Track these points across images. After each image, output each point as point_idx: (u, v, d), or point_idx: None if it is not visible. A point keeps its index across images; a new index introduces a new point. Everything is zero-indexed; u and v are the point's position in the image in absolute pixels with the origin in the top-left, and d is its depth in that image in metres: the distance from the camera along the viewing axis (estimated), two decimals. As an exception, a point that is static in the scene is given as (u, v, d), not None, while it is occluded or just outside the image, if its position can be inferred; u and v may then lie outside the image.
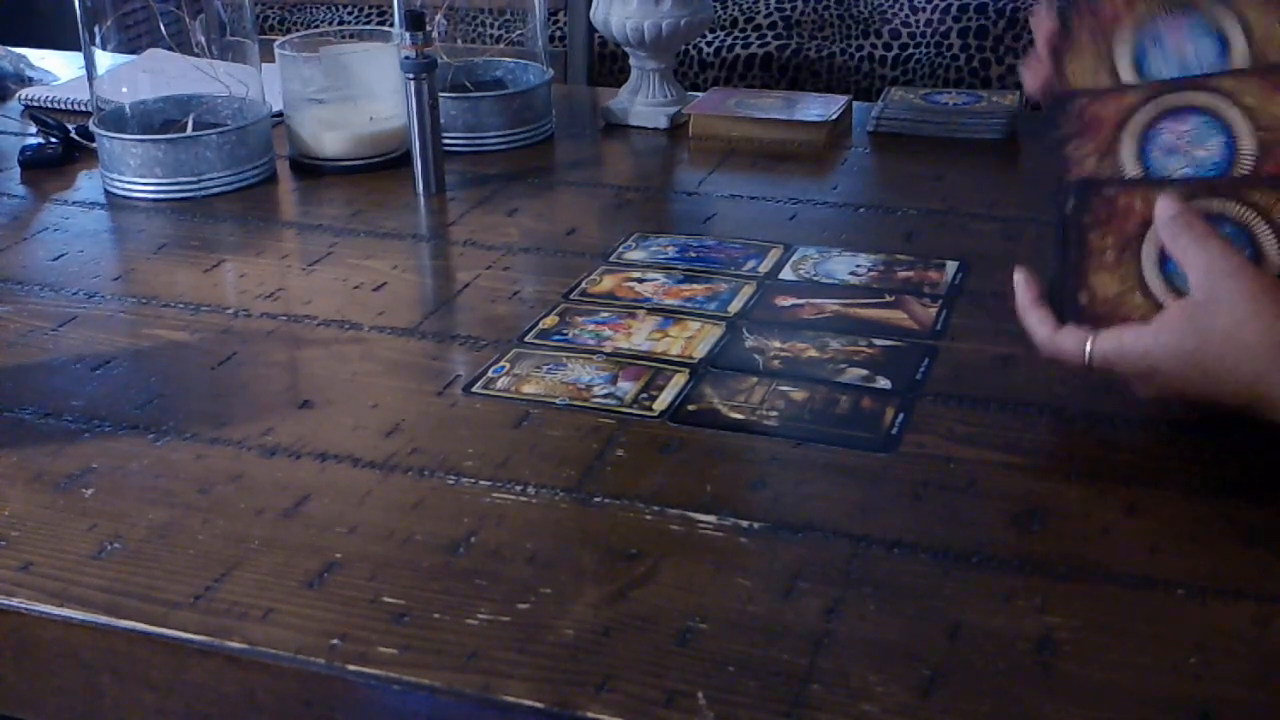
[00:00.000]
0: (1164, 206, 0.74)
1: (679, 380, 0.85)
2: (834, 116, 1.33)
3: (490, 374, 0.87)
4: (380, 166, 1.26)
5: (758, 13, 2.23)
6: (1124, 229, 0.75)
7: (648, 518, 0.71)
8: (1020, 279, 0.79)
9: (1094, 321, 0.76)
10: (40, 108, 1.46)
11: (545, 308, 0.96)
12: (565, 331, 0.92)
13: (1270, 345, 0.68)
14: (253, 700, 0.63)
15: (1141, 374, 0.73)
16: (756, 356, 0.88)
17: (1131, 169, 0.76)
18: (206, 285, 1.03)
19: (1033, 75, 0.79)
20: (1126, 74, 0.76)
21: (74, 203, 1.21)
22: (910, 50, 2.14)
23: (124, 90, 1.27)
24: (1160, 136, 0.75)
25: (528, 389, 0.85)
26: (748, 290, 0.98)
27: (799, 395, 0.83)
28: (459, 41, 1.49)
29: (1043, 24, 0.78)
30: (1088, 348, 0.74)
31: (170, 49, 1.28)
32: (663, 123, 1.37)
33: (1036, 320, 0.77)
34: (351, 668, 0.61)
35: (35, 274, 1.05)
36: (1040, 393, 0.82)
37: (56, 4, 2.11)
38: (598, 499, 0.73)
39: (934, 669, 0.60)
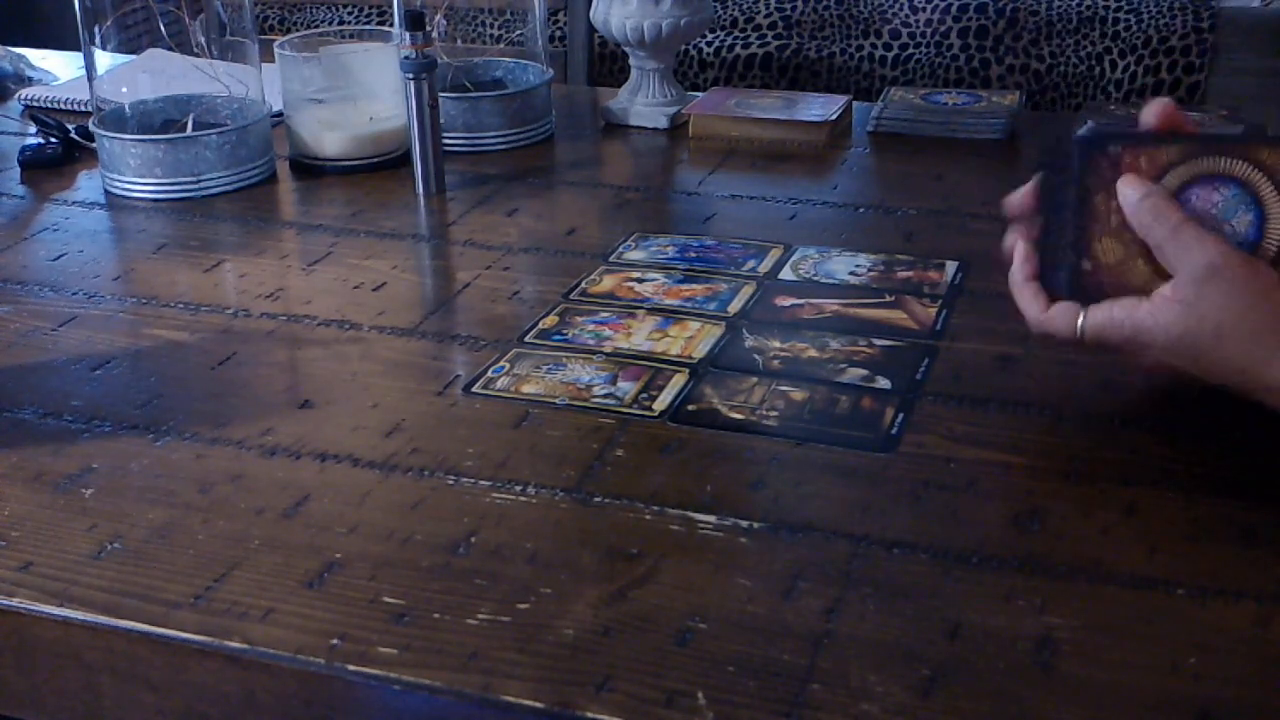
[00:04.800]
0: (1129, 190, 0.73)
1: (679, 380, 0.85)
2: (834, 116, 1.33)
3: (490, 374, 0.87)
4: (380, 166, 1.26)
5: (758, 13, 2.23)
6: None
7: (648, 518, 0.71)
8: (1020, 251, 0.78)
9: (1097, 289, 0.75)
10: (40, 108, 1.46)
11: (545, 308, 0.96)
12: (565, 331, 0.92)
13: (1257, 338, 0.69)
14: (253, 700, 0.63)
15: (1133, 348, 0.74)
16: (756, 356, 0.88)
17: None
18: (206, 285, 1.03)
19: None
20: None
21: (74, 203, 1.21)
22: (910, 50, 2.14)
23: (124, 90, 1.27)
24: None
25: (527, 389, 0.85)
26: (748, 290, 0.98)
27: (799, 395, 0.83)
28: (459, 41, 1.49)
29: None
30: (1079, 322, 0.74)
31: (170, 49, 1.28)
32: (663, 123, 1.37)
33: (1029, 296, 0.77)
34: (351, 668, 0.61)
35: (35, 274, 1.05)
36: (1040, 393, 0.82)
37: (56, 4, 2.11)
38: (598, 499, 0.73)
39: (934, 669, 0.60)
